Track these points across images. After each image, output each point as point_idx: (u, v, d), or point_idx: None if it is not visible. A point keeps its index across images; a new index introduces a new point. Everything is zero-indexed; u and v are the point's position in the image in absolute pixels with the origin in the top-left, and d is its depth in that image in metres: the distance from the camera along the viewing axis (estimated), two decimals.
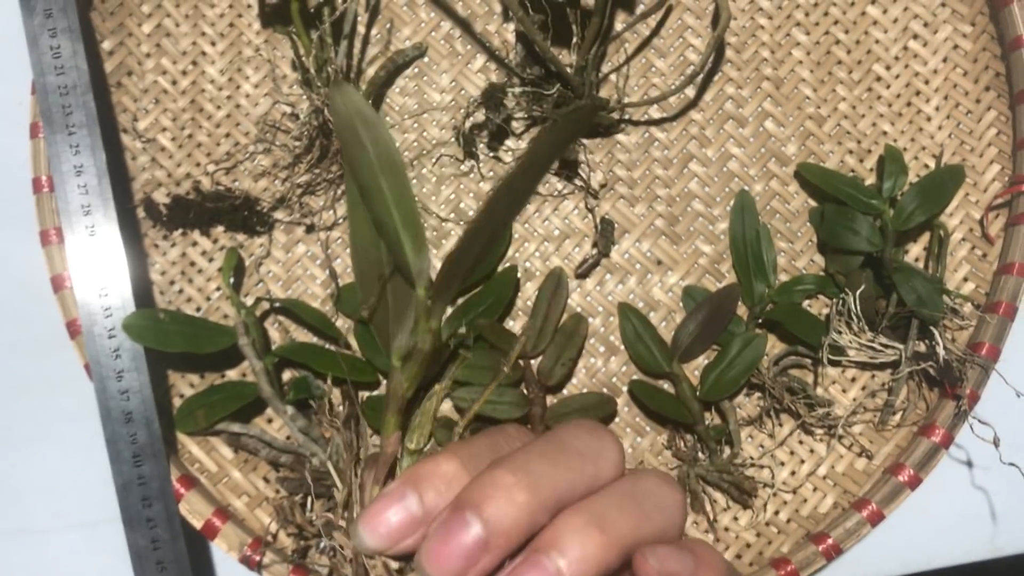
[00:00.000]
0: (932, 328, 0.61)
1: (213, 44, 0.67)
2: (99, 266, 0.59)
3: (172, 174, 0.66)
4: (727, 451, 0.62)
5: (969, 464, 0.64)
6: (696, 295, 0.64)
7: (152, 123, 0.66)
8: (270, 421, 0.63)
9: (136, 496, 0.58)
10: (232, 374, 0.63)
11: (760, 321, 0.64)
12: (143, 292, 0.64)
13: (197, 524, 0.58)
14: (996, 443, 0.59)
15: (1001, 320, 0.62)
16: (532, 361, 0.63)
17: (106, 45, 0.66)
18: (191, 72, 0.67)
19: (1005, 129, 0.67)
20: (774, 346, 0.64)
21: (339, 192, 0.65)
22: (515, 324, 0.65)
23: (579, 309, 0.65)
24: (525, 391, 0.62)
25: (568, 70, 0.63)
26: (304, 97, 0.64)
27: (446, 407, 0.63)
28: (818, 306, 0.65)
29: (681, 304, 0.65)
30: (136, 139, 0.66)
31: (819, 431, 0.63)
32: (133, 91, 0.66)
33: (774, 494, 0.63)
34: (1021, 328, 0.63)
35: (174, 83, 0.67)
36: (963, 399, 0.60)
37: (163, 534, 0.58)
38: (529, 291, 0.65)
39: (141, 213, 0.65)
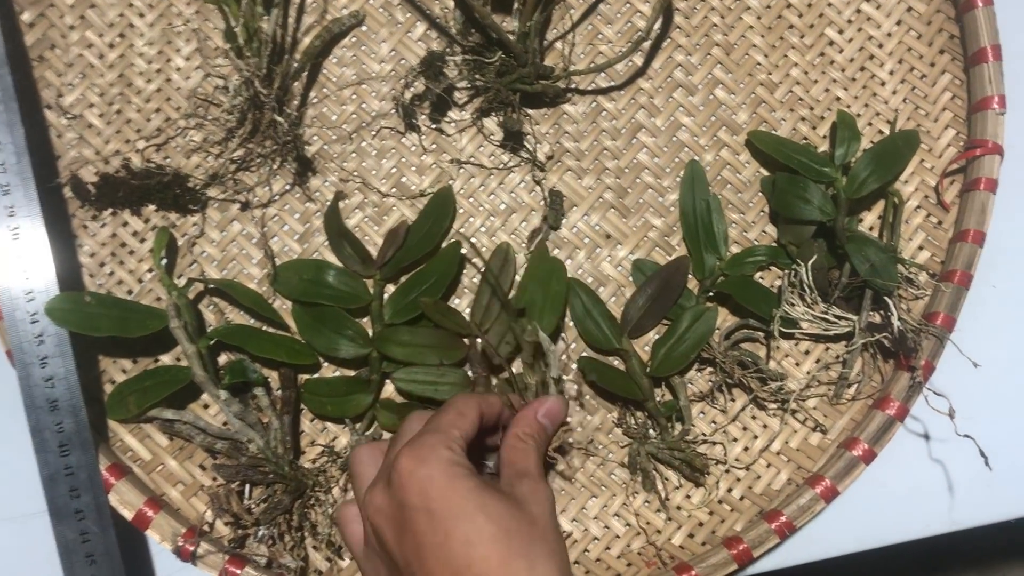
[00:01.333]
0: (886, 298, 0.59)
1: (142, 15, 0.64)
2: (20, 248, 0.57)
3: (100, 152, 0.63)
4: (678, 428, 0.61)
5: (926, 437, 0.63)
6: (646, 269, 0.63)
7: (78, 99, 0.63)
8: (206, 407, 0.61)
9: (63, 487, 0.55)
10: (166, 359, 0.61)
11: (711, 294, 0.62)
12: (71, 275, 0.61)
13: (128, 514, 0.56)
14: (951, 415, 0.58)
15: (956, 289, 0.61)
16: (477, 340, 0.61)
17: (25, 17, 0.63)
18: (119, 45, 0.64)
19: (960, 93, 0.65)
20: (725, 319, 0.63)
21: (274, 167, 0.62)
22: (460, 302, 0.63)
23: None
24: (468, 371, 0.60)
25: (510, 37, 0.61)
26: (238, 68, 0.61)
27: (389, 389, 0.61)
28: (771, 277, 0.63)
29: (631, 278, 0.63)
30: (61, 116, 0.63)
31: (772, 406, 0.62)
32: (57, 65, 0.63)
33: (727, 471, 0.61)
34: (977, 296, 0.62)
35: (101, 56, 0.64)
36: (918, 371, 0.59)
37: (92, 526, 0.56)
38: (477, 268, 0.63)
39: (68, 193, 0.62)
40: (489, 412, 0.51)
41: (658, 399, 0.61)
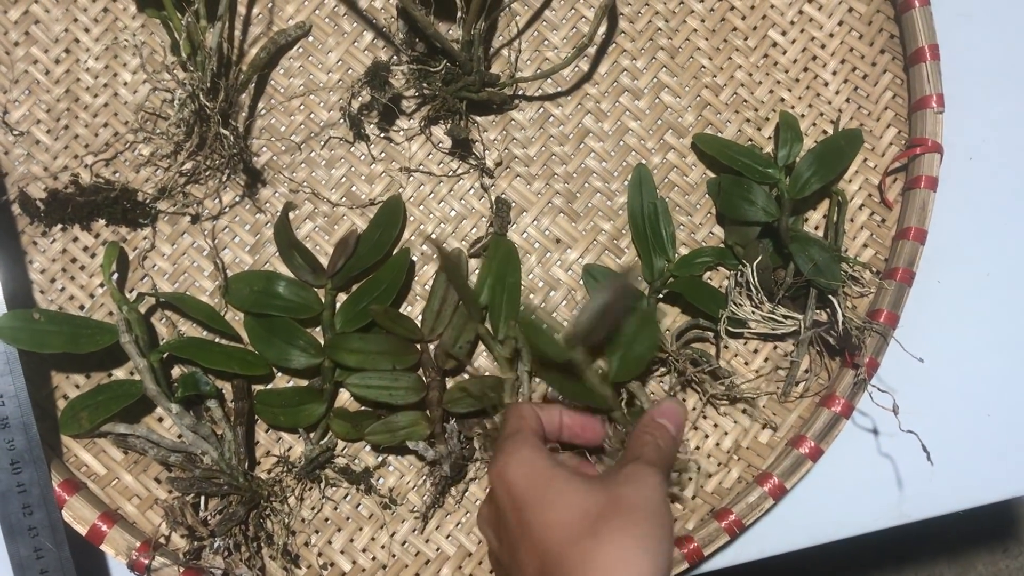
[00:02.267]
0: (831, 296, 0.60)
1: (87, 30, 0.64)
2: None
3: (49, 168, 0.63)
4: None
5: (874, 432, 0.64)
6: (596, 273, 0.63)
7: (25, 115, 0.63)
8: (160, 420, 0.61)
9: (16, 504, 0.56)
10: (119, 373, 0.61)
11: (661, 295, 0.63)
12: (21, 292, 0.61)
13: (82, 530, 0.56)
14: (896, 411, 0.59)
15: (899, 286, 0.62)
16: (430, 345, 0.62)
17: None
18: (65, 60, 0.64)
19: (900, 92, 0.66)
20: (676, 319, 0.63)
21: (223, 179, 0.62)
22: (413, 309, 0.63)
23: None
24: (423, 376, 0.61)
25: (455, 46, 0.61)
26: (181, 82, 0.61)
27: (343, 397, 0.62)
28: (719, 278, 0.64)
29: (581, 282, 0.63)
30: (8, 132, 0.63)
31: (723, 404, 0.62)
32: (2, 82, 0.63)
33: (698, 469, 0.62)
34: (919, 293, 0.63)
35: (47, 72, 0.64)
36: (862, 368, 0.60)
37: (46, 542, 0.56)
38: (428, 274, 0.64)
39: (17, 210, 0.62)
40: (546, 418, 0.52)
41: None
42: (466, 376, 0.63)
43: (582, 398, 0.54)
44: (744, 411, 0.63)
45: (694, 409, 0.62)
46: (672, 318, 0.63)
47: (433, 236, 0.64)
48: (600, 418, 0.52)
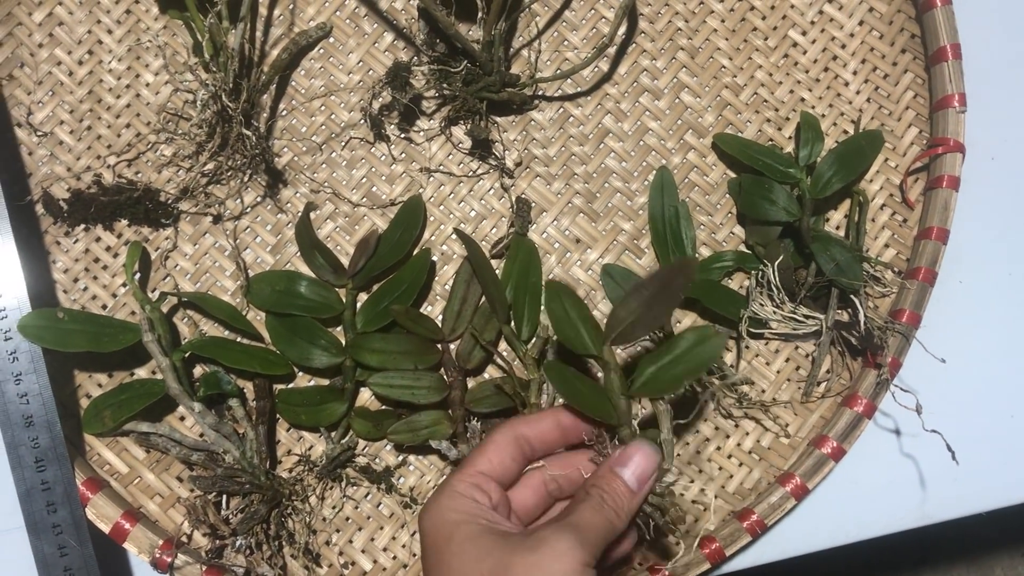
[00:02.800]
0: (852, 296, 0.60)
1: (110, 32, 0.65)
2: None
3: (72, 168, 0.63)
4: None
5: (896, 432, 0.64)
6: (615, 273, 0.63)
7: (49, 116, 0.64)
8: (182, 419, 0.61)
9: (40, 502, 0.56)
10: (142, 372, 0.62)
11: None
12: (45, 291, 0.62)
13: (105, 528, 0.57)
14: (919, 411, 0.58)
15: (921, 286, 0.61)
16: (451, 345, 0.62)
17: None
18: (88, 61, 0.65)
19: (922, 92, 0.66)
20: (695, 321, 0.63)
21: (245, 180, 0.63)
22: (433, 309, 0.63)
23: None
24: (444, 375, 0.61)
25: (475, 46, 0.61)
26: (203, 83, 0.61)
27: (364, 396, 0.62)
28: (739, 279, 0.64)
29: (600, 282, 0.63)
30: (32, 133, 0.63)
31: (737, 413, 0.62)
32: (26, 83, 0.64)
33: (699, 471, 0.62)
34: (941, 293, 0.63)
35: (70, 74, 0.64)
36: (884, 368, 0.60)
37: (70, 540, 0.56)
38: (448, 274, 0.64)
39: (40, 210, 0.62)
40: (536, 430, 0.48)
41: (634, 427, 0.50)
42: (486, 376, 0.63)
43: (589, 407, 0.49)
44: (766, 411, 0.62)
45: (714, 409, 0.62)
46: (690, 322, 0.63)
47: (453, 236, 0.64)
48: (601, 431, 0.48)
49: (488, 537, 0.42)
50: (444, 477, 0.48)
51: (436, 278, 0.64)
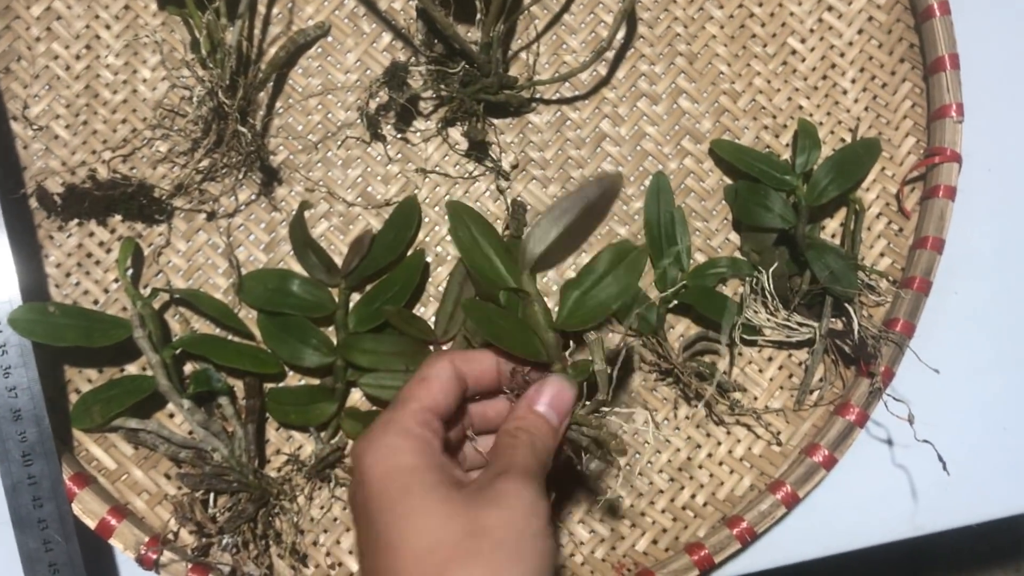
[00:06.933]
0: (847, 305, 0.60)
1: (108, 27, 0.65)
2: None
3: (66, 162, 0.63)
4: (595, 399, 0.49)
5: (889, 442, 0.64)
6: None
7: (44, 110, 0.64)
8: (171, 416, 0.61)
9: (26, 496, 0.56)
10: (132, 368, 0.61)
11: (672, 305, 0.62)
12: (37, 285, 0.62)
13: (91, 523, 0.56)
14: (911, 420, 0.58)
15: (915, 295, 0.61)
16: (443, 346, 0.62)
17: None
18: (85, 56, 0.64)
19: (920, 101, 0.66)
20: (688, 328, 0.63)
21: (240, 177, 0.63)
22: (426, 310, 0.63)
23: None
24: None
25: (473, 47, 0.61)
26: (200, 80, 0.61)
27: (355, 397, 0.62)
28: (733, 286, 0.64)
29: None
30: (27, 127, 0.63)
31: (729, 419, 0.62)
32: (23, 77, 0.64)
33: (690, 478, 0.61)
34: (936, 303, 0.62)
35: (67, 68, 0.64)
36: (877, 377, 0.59)
37: (56, 535, 0.56)
38: (442, 276, 0.64)
39: (34, 204, 0.62)
40: (476, 369, 0.46)
41: (567, 362, 0.49)
42: None
43: (515, 345, 0.46)
44: (758, 418, 0.62)
45: (707, 414, 0.62)
46: (683, 328, 0.63)
47: (447, 237, 0.64)
48: (527, 401, 0.45)
49: (448, 490, 0.39)
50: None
51: (430, 279, 0.64)
